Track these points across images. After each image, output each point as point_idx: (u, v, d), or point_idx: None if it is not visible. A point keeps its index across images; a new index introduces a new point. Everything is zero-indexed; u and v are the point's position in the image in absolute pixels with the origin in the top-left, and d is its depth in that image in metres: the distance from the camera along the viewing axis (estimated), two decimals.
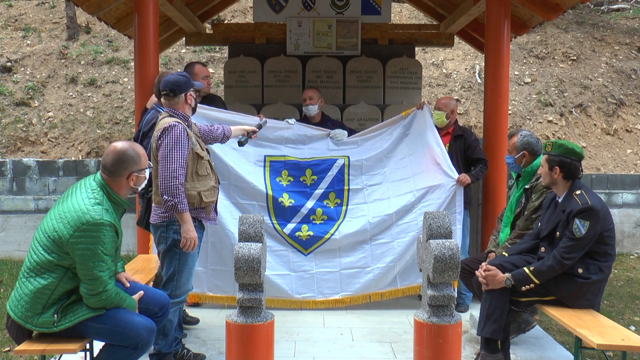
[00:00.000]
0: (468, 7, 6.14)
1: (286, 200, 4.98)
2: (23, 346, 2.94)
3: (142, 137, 4.06)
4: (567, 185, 3.68)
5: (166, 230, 3.56)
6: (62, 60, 10.72)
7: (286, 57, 7.02)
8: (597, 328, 3.30)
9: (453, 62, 11.51)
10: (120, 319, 2.99)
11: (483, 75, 6.73)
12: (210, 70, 10.81)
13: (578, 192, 3.60)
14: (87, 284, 2.88)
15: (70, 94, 10.16)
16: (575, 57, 11.34)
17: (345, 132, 5.26)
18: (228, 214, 4.82)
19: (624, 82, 10.80)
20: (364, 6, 6.98)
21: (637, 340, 3.16)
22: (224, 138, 4.08)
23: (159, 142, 3.49)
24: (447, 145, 5.10)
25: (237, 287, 3.62)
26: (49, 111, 9.80)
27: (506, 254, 3.92)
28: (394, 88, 7.09)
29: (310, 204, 5.01)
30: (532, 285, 3.58)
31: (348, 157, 5.15)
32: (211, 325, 4.58)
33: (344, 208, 5.05)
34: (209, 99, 5.00)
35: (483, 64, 6.38)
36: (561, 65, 11.23)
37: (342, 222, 5.00)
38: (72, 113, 9.81)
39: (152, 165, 3.41)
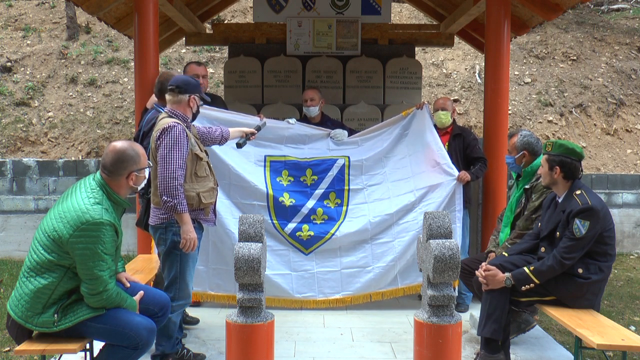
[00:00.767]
0: (468, 7, 6.14)
1: (287, 200, 4.98)
2: (23, 346, 2.94)
3: (143, 137, 4.06)
4: (567, 185, 3.68)
5: (165, 231, 3.55)
6: (62, 60, 10.72)
7: (286, 57, 7.02)
8: (597, 328, 3.30)
9: (453, 62, 11.51)
10: (121, 319, 2.99)
11: (483, 75, 6.73)
12: (210, 70, 10.81)
13: (578, 192, 3.60)
14: (87, 283, 2.88)
15: (70, 94, 10.16)
16: (575, 57, 11.34)
17: (346, 133, 5.26)
18: (228, 214, 4.82)
19: (624, 82, 10.80)
20: (364, 6, 6.99)
21: (637, 340, 3.16)
22: (222, 140, 4.06)
23: (158, 142, 3.48)
24: (446, 144, 5.11)
25: (237, 286, 3.62)
26: (49, 111, 9.80)
27: (506, 254, 3.92)
28: (394, 88, 7.10)
29: (310, 203, 5.02)
30: (532, 285, 3.58)
31: (348, 157, 5.15)
32: (211, 325, 4.58)
33: (344, 208, 5.06)
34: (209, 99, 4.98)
35: (483, 64, 6.38)
36: (561, 65, 11.23)
37: (342, 222, 5.00)
38: (72, 113, 9.81)
39: (151, 164, 3.41)
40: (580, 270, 3.56)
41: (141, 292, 3.22)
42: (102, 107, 9.97)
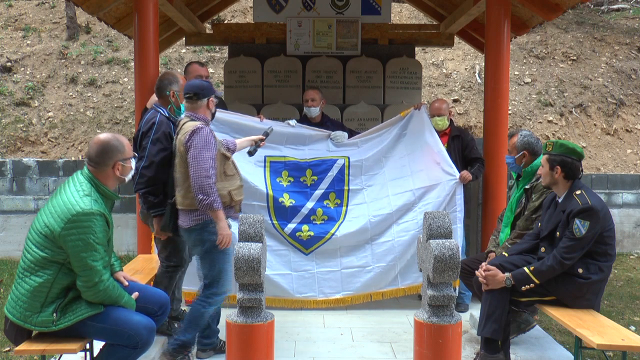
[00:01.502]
0: (468, 7, 6.14)
1: (286, 200, 4.98)
2: (23, 346, 2.94)
3: (142, 136, 4.05)
4: (568, 185, 3.69)
5: (201, 232, 3.62)
6: (62, 60, 10.72)
7: (286, 57, 7.02)
8: (597, 328, 3.30)
9: (453, 62, 11.51)
10: (120, 318, 2.99)
11: (483, 75, 6.73)
12: (210, 70, 10.80)
13: (578, 192, 3.60)
14: (82, 276, 2.89)
15: (70, 94, 10.16)
16: (575, 57, 11.34)
17: (346, 135, 5.27)
18: None
19: (624, 82, 10.80)
20: (364, 6, 6.99)
21: (637, 340, 3.17)
22: (229, 152, 4.08)
23: (188, 144, 3.53)
24: (445, 145, 5.13)
25: (237, 286, 3.62)
26: (49, 111, 9.80)
27: (506, 254, 3.93)
28: (394, 88, 7.10)
29: (310, 204, 5.02)
30: (532, 285, 3.58)
31: (348, 158, 5.15)
32: None
33: (344, 209, 5.06)
34: None
35: (483, 64, 6.38)
36: (561, 65, 11.23)
37: (342, 222, 5.00)
38: (72, 113, 9.81)
39: (137, 155, 3.45)
40: (580, 270, 3.56)
41: (136, 293, 3.21)
42: (102, 107, 9.97)
